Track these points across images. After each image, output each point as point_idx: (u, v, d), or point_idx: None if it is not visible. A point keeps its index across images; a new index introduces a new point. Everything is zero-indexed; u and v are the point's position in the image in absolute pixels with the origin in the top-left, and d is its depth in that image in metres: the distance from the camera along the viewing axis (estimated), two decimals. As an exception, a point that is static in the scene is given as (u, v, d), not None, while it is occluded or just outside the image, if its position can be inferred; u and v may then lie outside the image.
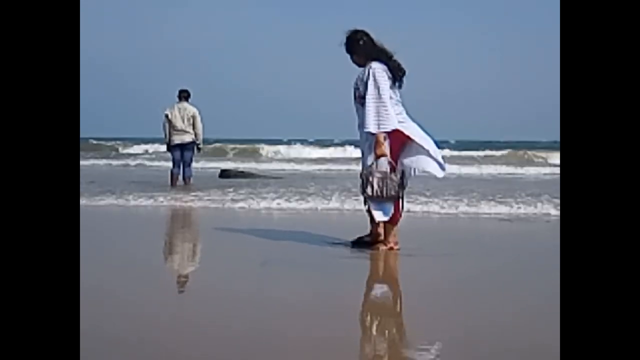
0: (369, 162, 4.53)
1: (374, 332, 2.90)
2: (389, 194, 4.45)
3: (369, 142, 4.54)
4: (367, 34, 4.66)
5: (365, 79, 4.50)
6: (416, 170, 4.57)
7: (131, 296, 3.38)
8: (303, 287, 3.69)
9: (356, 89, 4.61)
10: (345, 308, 3.26)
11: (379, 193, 4.45)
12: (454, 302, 3.37)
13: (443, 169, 4.63)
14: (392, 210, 4.57)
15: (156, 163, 19.23)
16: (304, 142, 32.24)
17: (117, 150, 30.30)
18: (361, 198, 4.79)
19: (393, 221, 4.64)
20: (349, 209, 7.27)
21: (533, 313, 3.15)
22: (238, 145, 29.85)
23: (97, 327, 2.66)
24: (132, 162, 20.45)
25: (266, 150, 28.72)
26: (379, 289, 3.96)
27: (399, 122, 4.49)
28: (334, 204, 7.69)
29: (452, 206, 7.45)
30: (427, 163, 4.56)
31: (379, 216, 4.59)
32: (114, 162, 20.19)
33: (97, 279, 3.59)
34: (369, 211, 4.65)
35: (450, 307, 3.26)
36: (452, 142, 37.01)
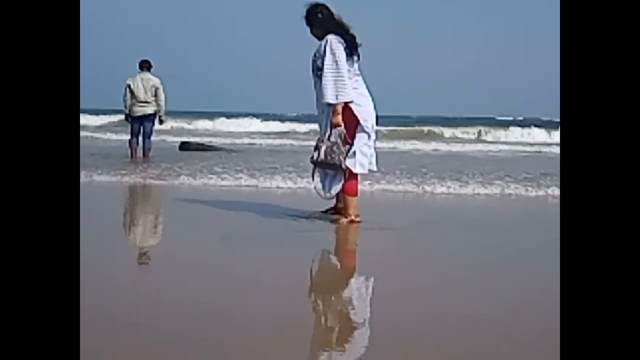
0: (323, 131, 4.68)
1: (333, 310, 2.92)
2: (333, 161, 4.57)
3: (326, 113, 4.64)
4: (326, 7, 4.75)
5: (322, 51, 4.59)
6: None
7: (89, 271, 3.34)
8: (264, 262, 3.69)
9: (314, 61, 4.70)
10: (306, 283, 3.33)
11: (323, 159, 4.58)
12: (413, 275, 3.45)
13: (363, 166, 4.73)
14: (332, 184, 4.70)
15: (96, 135, 18.83)
16: (261, 115, 31.84)
17: None
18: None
19: (351, 193, 4.73)
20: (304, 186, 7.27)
21: (499, 281, 3.28)
22: (194, 118, 29.25)
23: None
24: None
25: (223, 122, 28.42)
26: (340, 263, 4.03)
27: (356, 102, 4.61)
28: (293, 178, 7.66)
29: (408, 183, 7.51)
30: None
31: (319, 187, 4.77)
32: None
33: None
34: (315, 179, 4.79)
35: (409, 281, 3.33)
36: (414, 117, 37.26)
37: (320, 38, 4.71)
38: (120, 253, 3.96)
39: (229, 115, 30.63)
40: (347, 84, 4.52)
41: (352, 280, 3.52)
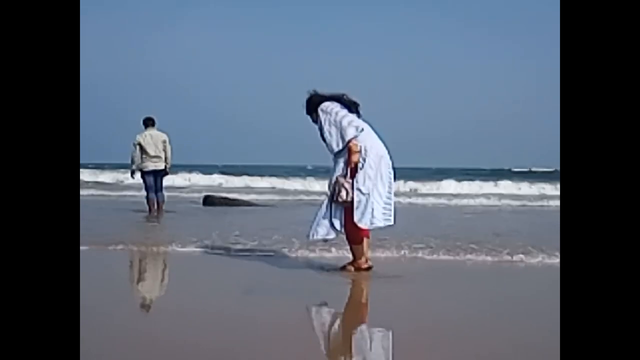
0: (339, 172, 4.75)
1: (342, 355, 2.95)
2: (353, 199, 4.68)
3: (339, 160, 4.77)
4: (317, 94, 5.00)
5: (318, 120, 4.84)
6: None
7: (116, 322, 3.41)
8: (279, 313, 3.72)
9: (320, 136, 4.87)
10: (318, 333, 3.40)
11: (349, 199, 4.68)
12: (421, 320, 3.48)
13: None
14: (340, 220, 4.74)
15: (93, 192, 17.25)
16: (287, 168, 31.59)
17: None
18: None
19: (354, 241, 4.86)
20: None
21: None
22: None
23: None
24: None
25: (245, 178, 28.13)
26: (359, 315, 4.02)
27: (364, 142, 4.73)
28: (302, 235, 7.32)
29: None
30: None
31: (337, 224, 4.76)
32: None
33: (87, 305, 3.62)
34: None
35: (418, 326, 3.36)
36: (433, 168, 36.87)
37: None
38: (142, 305, 4.06)
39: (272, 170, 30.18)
40: (346, 125, 4.67)
41: (364, 327, 3.56)
